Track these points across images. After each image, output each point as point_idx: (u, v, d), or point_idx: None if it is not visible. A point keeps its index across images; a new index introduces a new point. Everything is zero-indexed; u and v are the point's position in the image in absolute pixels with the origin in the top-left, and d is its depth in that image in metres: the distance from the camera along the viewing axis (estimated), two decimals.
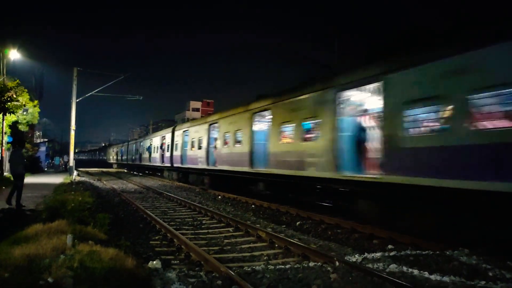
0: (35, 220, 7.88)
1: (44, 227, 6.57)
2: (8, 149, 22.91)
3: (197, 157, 21.30)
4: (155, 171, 36.45)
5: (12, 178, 11.14)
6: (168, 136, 28.70)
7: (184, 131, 24.89)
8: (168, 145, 28.41)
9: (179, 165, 25.18)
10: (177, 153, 25.94)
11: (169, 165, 27.94)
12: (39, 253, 4.82)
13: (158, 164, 31.70)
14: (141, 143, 39.63)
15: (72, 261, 4.51)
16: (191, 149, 22.82)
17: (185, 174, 25.34)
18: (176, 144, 26.38)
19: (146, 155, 36.35)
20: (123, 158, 51.89)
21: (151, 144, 34.87)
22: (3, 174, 19.67)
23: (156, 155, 32.44)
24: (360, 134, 10.61)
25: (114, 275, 4.42)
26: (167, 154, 28.37)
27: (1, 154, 19.94)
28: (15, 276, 4.05)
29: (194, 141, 22.26)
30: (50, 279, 4.01)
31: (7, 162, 21.44)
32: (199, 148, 21.09)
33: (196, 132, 22.04)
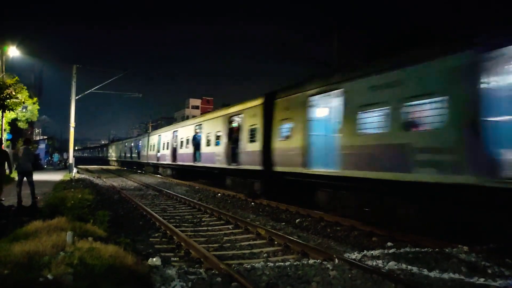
0: (35, 217, 7.88)
1: (44, 224, 6.58)
2: (7, 146, 22.90)
3: (403, 152, 8.30)
4: (208, 175, 22.51)
5: (17, 175, 11.52)
6: (251, 114, 15.46)
7: (310, 96, 11.68)
8: (250, 132, 15.35)
9: (297, 168, 11.93)
10: (293, 143, 12.33)
11: (257, 167, 14.49)
12: (39, 250, 4.83)
13: (221, 165, 18.05)
14: (175, 133, 27.08)
15: (72, 258, 4.52)
16: (355, 133, 9.64)
17: (307, 189, 11.98)
18: (282, 129, 13.14)
19: (186, 150, 23.76)
20: (141, 155, 39.74)
21: (198, 134, 22.20)
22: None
23: (214, 149, 18.86)
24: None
25: (114, 272, 4.43)
26: (250, 147, 15.19)
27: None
28: (15, 273, 4.06)
29: (375, 114, 9.22)
30: (50, 276, 4.02)
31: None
32: (417, 124, 8.38)
33: (386, 89, 8.78)
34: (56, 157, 40.22)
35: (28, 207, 10.05)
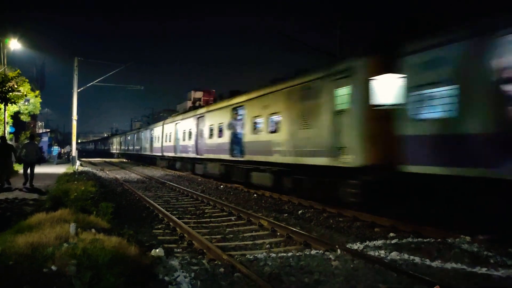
0: (38, 209, 7.92)
1: (47, 216, 6.61)
2: (10, 139, 22.98)
3: None
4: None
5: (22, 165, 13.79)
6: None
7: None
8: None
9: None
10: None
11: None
12: (43, 241, 4.85)
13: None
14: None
15: (75, 249, 4.54)
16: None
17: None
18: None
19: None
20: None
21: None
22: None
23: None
24: None
25: (117, 263, 4.45)
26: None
27: None
28: (19, 264, 4.09)
29: None
30: (53, 267, 4.04)
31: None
32: None
33: None
34: (55, 150, 35.74)
35: (31, 188, 12.72)
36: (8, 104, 19.66)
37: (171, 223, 8.87)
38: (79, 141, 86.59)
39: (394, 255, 6.04)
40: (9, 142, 15.86)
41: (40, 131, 53.93)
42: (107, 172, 26.29)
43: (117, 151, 60.02)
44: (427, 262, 5.70)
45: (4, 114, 20.07)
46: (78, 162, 27.49)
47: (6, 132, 20.18)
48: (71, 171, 21.46)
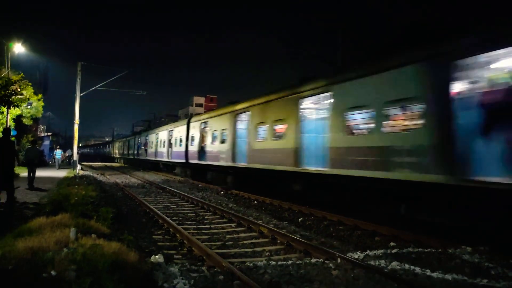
0: (39, 214, 7.92)
1: (48, 221, 6.60)
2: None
3: None
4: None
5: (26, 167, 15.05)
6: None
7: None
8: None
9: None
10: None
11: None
12: (43, 246, 4.84)
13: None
14: None
15: (75, 254, 4.53)
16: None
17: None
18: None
19: None
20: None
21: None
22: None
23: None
24: None
25: (117, 269, 4.44)
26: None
27: None
28: (18, 268, 4.08)
29: None
30: (53, 272, 4.03)
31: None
32: None
33: None
34: (58, 154, 33.39)
35: (32, 188, 13.80)
36: (11, 107, 19.72)
37: (171, 229, 8.85)
38: (80, 144, 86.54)
39: (394, 264, 6.01)
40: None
41: (42, 134, 54.06)
42: (108, 177, 26.29)
43: (118, 156, 59.94)
44: (428, 272, 5.67)
45: (7, 117, 20.14)
46: (79, 166, 27.46)
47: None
48: (72, 175, 21.46)
